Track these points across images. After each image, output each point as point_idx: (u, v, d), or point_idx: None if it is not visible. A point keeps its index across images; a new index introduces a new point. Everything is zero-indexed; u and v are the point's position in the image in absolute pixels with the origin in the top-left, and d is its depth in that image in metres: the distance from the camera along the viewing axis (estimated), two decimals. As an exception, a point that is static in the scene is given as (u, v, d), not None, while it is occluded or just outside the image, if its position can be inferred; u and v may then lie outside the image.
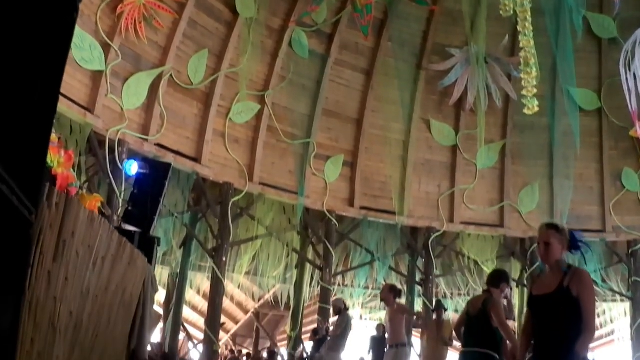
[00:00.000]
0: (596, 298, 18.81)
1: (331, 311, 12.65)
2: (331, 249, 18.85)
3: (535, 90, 16.38)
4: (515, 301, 20.30)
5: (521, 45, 16.40)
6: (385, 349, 16.29)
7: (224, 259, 17.19)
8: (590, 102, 20.04)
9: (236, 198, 17.36)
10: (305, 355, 18.24)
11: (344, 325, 12.08)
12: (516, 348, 6.72)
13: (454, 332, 9.47)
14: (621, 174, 20.20)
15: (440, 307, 12.44)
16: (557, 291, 4.35)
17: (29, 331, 3.16)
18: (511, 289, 8.22)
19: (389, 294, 10.09)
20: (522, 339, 4.75)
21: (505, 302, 8.23)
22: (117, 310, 4.66)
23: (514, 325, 20.08)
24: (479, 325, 6.31)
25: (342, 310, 12.36)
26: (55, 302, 3.32)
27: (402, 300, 11.29)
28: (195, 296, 23.37)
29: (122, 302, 4.78)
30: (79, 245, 3.44)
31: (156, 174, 11.44)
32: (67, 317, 3.53)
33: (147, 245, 9.21)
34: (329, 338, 12.72)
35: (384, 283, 20.28)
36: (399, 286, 20.03)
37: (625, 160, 20.29)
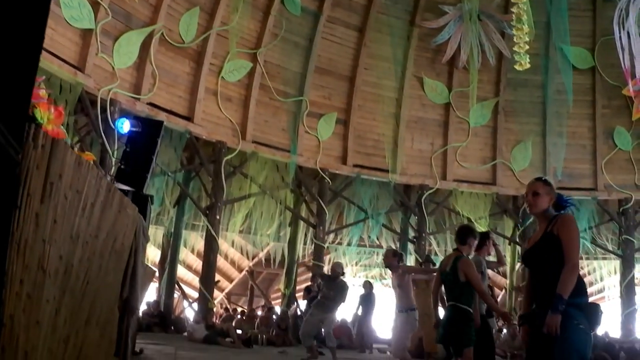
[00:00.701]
0: (586, 254, 19.00)
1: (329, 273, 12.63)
2: (324, 206, 18.94)
3: (527, 47, 16.36)
4: (508, 258, 20.46)
5: (514, 0, 16.33)
6: (374, 304, 16.59)
7: (218, 217, 17.27)
8: (583, 60, 20.03)
9: (229, 156, 17.41)
10: (299, 312, 18.39)
11: (341, 289, 12.13)
12: (495, 307, 6.92)
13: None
14: (613, 132, 20.27)
15: (429, 261, 12.52)
16: (542, 237, 4.41)
17: (17, 272, 3.18)
18: (489, 241, 8.10)
19: (392, 259, 10.11)
20: (526, 292, 4.72)
21: (493, 250, 8.23)
22: (108, 258, 4.69)
23: (504, 270, 20.31)
24: (452, 282, 6.51)
25: (339, 275, 12.43)
26: (44, 245, 3.34)
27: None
28: (190, 255, 23.49)
29: (113, 250, 4.80)
30: (66, 188, 3.45)
31: (148, 132, 11.37)
32: (57, 261, 3.55)
33: (141, 203, 9.24)
34: (319, 297, 12.72)
35: (377, 242, 20.49)
36: (393, 245, 20.33)
37: (617, 118, 20.34)
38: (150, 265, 17.15)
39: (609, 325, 20.07)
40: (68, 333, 4.13)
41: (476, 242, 6.92)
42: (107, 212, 4.36)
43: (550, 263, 4.30)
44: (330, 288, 12.08)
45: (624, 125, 20.22)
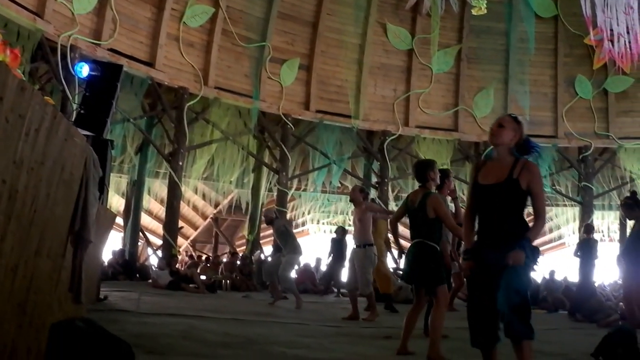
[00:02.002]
0: (547, 202, 19.37)
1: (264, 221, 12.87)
2: (287, 152, 19.00)
3: (483, -9, 16.37)
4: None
5: (475, -55, 16.33)
6: (346, 250, 16.73)
7: (180, 164, 17.27)
8: (546, 9, 20.18)
9: (191, 102, 17.36)
10: (263, 258, 18.53)
11: (277, 231, 12.28)
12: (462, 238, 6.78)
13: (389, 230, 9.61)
14: (574, 80, 20.56)
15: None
16: (506, 182, 4.33)
17: (-43, 192, 3.18)
18: (448, 179, 8.06)
19: (358, 195, 10.18)
20: (467, 223, 4.68)
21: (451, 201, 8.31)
22: (57, 187, 4.68)
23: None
24: (421, 218, 6.33)
25: (273, 220, 12.54)
26: (-15, 167, 3.34)
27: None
28: (154, 203, 23.48)
29: (62, 180, 4.80)
30: (8, 112, 3.44)
31: (108, 76, 11.34)
32: (0, 185, 3.56)
33: (101, 148, 9.21)
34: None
35: (341, 188, 20.61)
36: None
37: (579, 67, 20.64)
38: (112, 211, 17.12)
39: (568, 271, 20.55)
40: (16, 262, 4.14)
41: (437, 175, 6.60)
42: (52, 139, 4.35)
43: (509, 208, 4.34)
44: (277, 235, 12.32)
45: (585, 73, 20.52)
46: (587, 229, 13.78)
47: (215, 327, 7.41)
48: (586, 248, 12.99)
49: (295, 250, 12.20)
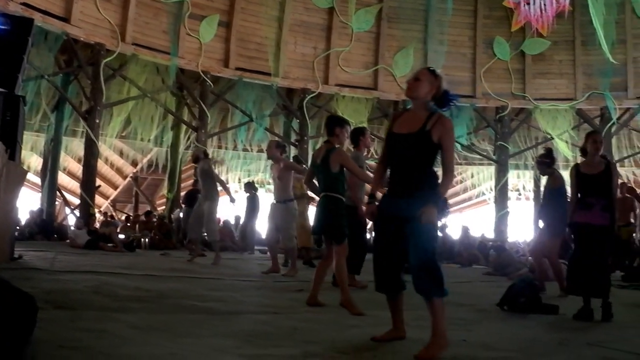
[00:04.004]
0: (464, 160, 19.69)
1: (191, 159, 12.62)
2: (206, 110, 18.86)
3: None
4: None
5: None
6: (257, 207, 16.78)
7: (97, 121, 16.95)
8: (466, -30, 20.41)
9: (108, 59, 17.02)
10: (181, 216, 18.41)
11: (210, 170, 12.04)
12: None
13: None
14: (493, 42, 20.95)
15: (298, 162, 12.60)
16: (418, 133, 4.28)
17: None
18: (363, 136, 8.19)
19: (275, 151, 10.09)
20: (378, 171, 4.68)
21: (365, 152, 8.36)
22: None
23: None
24: (323, 173, 6.44)
25: (199, 158, 12.27)
26: None
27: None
28: (73, 163, 23.02)
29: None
30: None
31: (18, 31, 10.93)
32: None
33: (12, 105, 8.96)
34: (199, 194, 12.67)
35: (261, 146, 20.56)
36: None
37: (497, 29, 21.10)
38: (23, 167, 16.76)
39: (484, 227, 21.17)
40: None
41: (344, 131, 6.65)
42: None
43: (419, 160, 4.29)
44: (200, 175, 12.04)
45: (503, 35, 20.99)
46: None
47: (127, 283, 7.37)
48: None
49: (215, 197, 11.95)
